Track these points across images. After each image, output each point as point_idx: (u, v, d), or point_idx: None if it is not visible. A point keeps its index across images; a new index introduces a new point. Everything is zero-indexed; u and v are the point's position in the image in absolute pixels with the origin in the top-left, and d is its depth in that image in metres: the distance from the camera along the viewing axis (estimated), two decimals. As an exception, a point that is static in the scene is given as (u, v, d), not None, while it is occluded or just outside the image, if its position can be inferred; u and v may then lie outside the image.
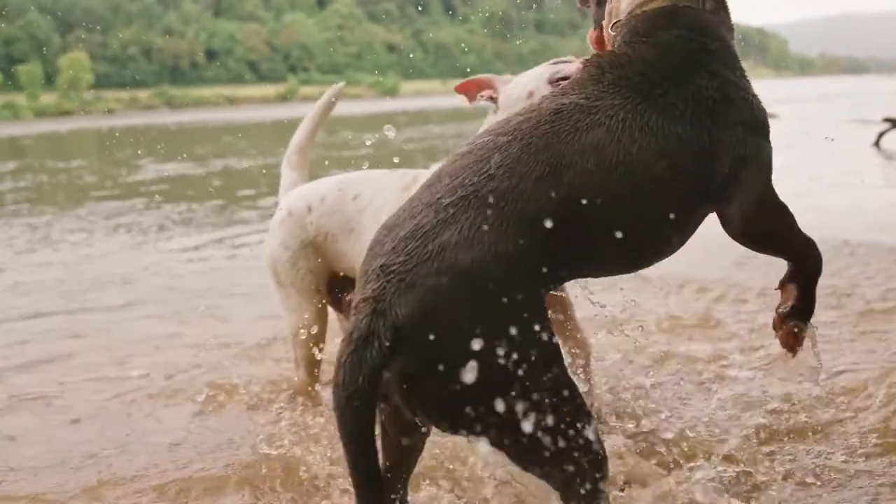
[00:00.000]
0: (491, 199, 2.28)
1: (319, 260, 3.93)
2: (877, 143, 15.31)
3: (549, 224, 2.28)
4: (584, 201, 2.34)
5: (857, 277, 6.32)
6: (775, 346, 2.95)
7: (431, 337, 2.12)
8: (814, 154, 14.84)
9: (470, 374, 2.10)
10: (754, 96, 2.72)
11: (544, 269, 2.31)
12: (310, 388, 4.20)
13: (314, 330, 3.99)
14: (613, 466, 3.08)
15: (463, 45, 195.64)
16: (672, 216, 2.48)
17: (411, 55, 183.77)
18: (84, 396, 4.79)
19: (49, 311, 6.74)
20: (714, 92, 2.56)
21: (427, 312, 2.14)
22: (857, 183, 10.92)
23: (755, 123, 2.66)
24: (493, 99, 3.61)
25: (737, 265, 6.65)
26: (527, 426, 2.17)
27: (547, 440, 2.19)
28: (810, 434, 3.63)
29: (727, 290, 6.18)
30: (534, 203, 2.29)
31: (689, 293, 6.16)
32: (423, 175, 3.49)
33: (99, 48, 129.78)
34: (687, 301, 6.01)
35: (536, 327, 2.22)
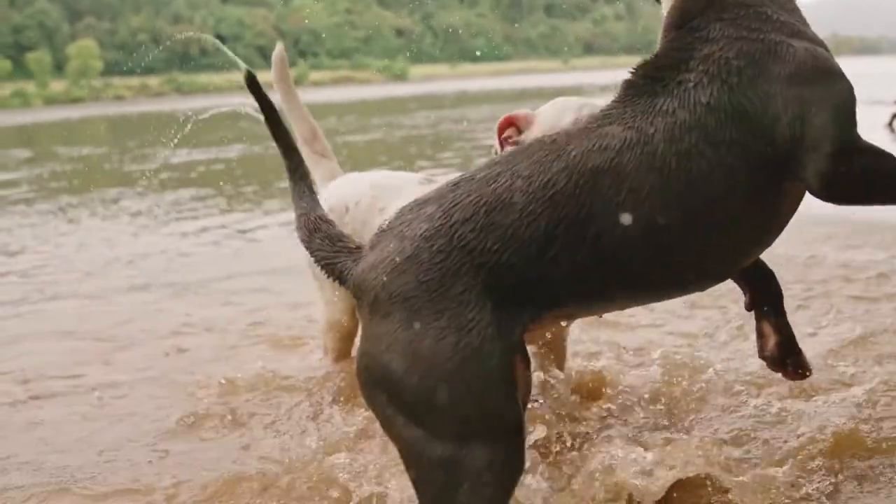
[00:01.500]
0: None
1: None
2: (890, 125, 15.25)
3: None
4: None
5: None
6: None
7: None
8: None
9: None
10: (801, 42, 2.41)
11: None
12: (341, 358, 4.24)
13: (345, 324, 3.99)
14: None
15: (472, 28, 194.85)
16: (734, 204, 2.29)
17: (420, 39, 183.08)
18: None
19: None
20: (741, 51, 2.33)
21: None
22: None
23: (807, 71, 2.33)
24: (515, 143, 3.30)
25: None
26: None
27: None
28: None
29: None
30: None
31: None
32: None
33: (108, 35, 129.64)
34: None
35: None
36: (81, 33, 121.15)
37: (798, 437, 3.49)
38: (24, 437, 4.22)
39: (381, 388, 2.24)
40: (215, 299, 6.59)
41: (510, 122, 3.28)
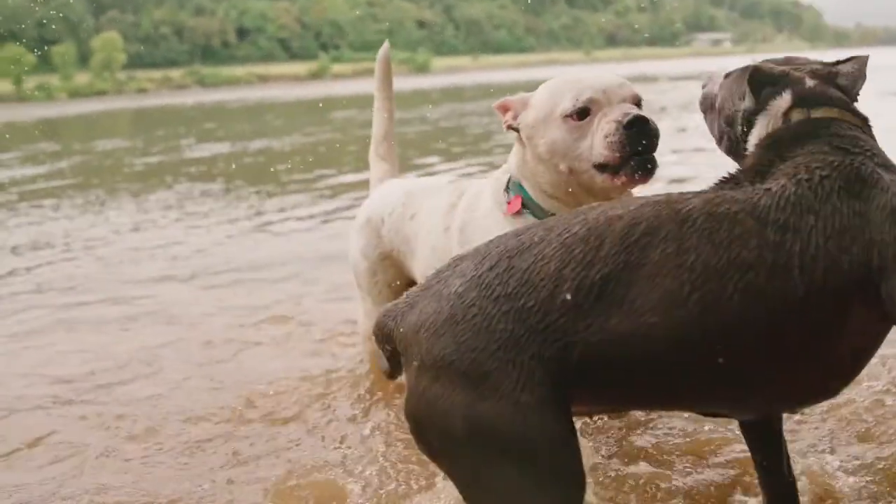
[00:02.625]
0: None
1: (396, 273, 3.87)
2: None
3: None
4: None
5: None
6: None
7: None
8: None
9: None
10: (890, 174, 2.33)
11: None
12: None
13: None
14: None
15: (494, 20, 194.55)
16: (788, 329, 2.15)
17: (442, 31, 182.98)
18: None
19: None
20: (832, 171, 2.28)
21: None
22: None
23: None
24: (513, 128, 3.34)
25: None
26: None
27: None
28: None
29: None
30: None
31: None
32: (472, 188, 3.48)
33: (131, 28, 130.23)
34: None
35: None
36: (105, 26, 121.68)
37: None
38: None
39: (442, 450, 2.28)
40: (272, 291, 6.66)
41: (506, 108, 3.32)
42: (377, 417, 4.11)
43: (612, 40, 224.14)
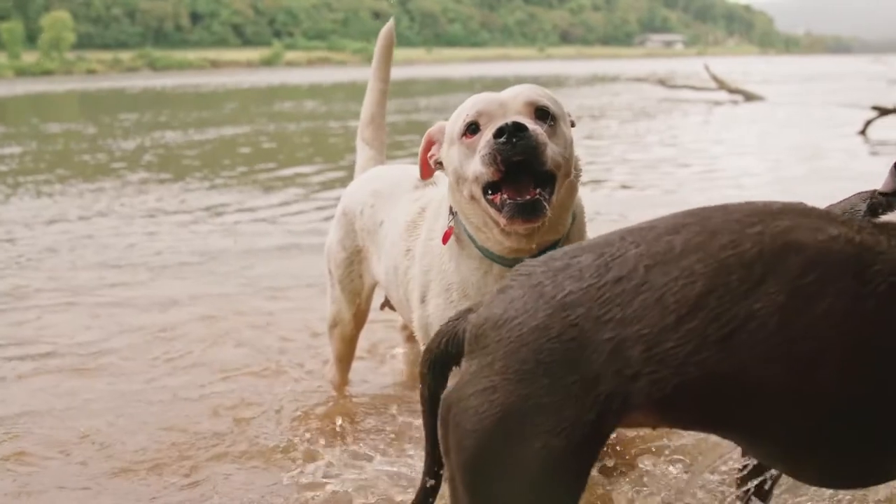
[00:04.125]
0: None
1: (366, 268, 3.73)
2: (863, 132, 15.37)
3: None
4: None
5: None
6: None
7: None
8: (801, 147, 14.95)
9: None
10: None
11: None
12: (342, 385, 4.18)
13: (350, 328, 3.89)
14: None
15: (449, 13, 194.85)
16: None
17: (397, 23, 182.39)
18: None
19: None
20: None
21: None
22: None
23: None
24: (439, 164, 2.98)
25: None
26: None
27: None
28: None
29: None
30: None
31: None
32: (433, 205, 3.17)
33: (82, 8, 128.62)
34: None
35: None
36: (55, 5, 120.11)
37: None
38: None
39: (462, 456, 1.99)
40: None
41: (432, 143, 3.00)
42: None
43: (566, 38, 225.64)
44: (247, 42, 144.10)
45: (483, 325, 2.01)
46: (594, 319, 1.89)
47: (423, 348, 3.05)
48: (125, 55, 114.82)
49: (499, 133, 2.54)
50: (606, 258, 1.96)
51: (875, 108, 15.54)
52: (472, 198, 2.71)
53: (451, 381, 2.12)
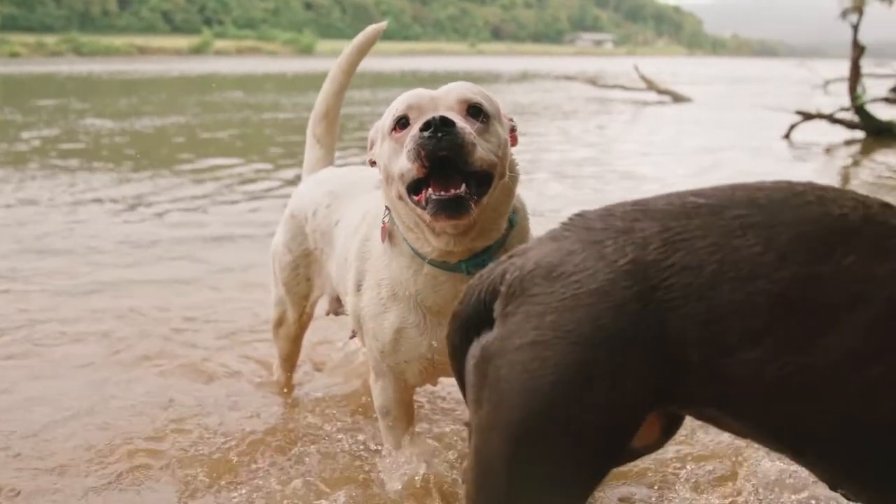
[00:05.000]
0: None
1: (319, 268, 3.61)
2: (787, 136, 15.66)
3: None
4: None
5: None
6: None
7: None
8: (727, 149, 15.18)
9: None
10: None
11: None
12: (285, 388, 4.10)
13: (294, 329, 3.83)
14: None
15: (381, 6, 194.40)
16: None
17: (329, 14, 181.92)
18: None
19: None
20: None
21: None
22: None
23: None
24: (372, 163, 2.87)
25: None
26: None
27: None
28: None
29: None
30: None
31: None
32: (372, 216, 3.02)
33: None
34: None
35: None
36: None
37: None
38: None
39: (494, 411, 1.86)
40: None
41: (372, 141, 2.88)
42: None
43: (497, 34, 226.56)
44: (176, 29, 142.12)
45: (534, 272, 1.87)
46: (658, 301, 1.75)
47: (358, 338, 3.04)
48: (50, 39, 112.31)
49: (425, 127, 2.45)
50: (673, 234, 1.81)
51: (799, 112, 15.87)
52: (400, 197, 2.61)
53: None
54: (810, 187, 1.84)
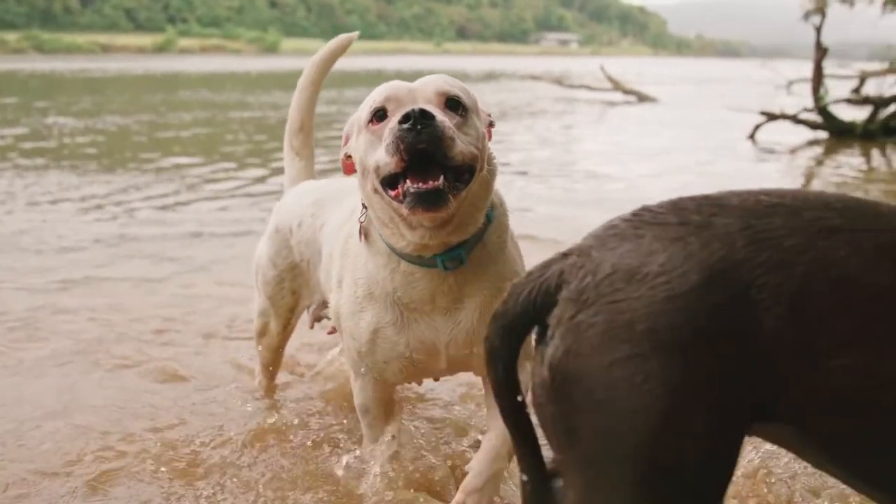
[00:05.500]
0: None
1: (304, 281, 3.58)
2: (752, 136, 15.80)
3: None
4: None
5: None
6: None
7: None
8: (694, 150, 15.28)
9: None
10: None
11: None
12: (266, 392, 4.04)
13: (277, 340, 3.78)
14: None
15: (346, 4, 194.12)
16: None
17: (294, 12, 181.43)
18: None
19: None
20: None
21: None
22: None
23: None
24: (348, 156, 2.81)
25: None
26: None
27: None
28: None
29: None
30: None
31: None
32: (358, 214, 2.95)
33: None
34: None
35: None
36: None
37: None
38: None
39: (595, 441, 1.70)
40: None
41: (347, 136, 2.82)
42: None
43: (462, 33, 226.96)
44: (139, 27, 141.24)
45: (613, 276, 1.71)
46: (753, 301, 1.65)
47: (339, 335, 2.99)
48: (11, 36, 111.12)
49: (404, 119, 2.40)
50: (757, 232, 1.71)
51: (763, 113, 16.02)
52: (376, 190, 2.56)
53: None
54: (877, 202, 1.79)
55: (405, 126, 2.38)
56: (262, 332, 3.79)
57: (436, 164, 2.42)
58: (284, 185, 3.90)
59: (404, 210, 2.46)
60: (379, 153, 2.49)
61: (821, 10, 17.77)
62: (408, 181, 2.43)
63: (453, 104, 2.57)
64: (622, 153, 13.93)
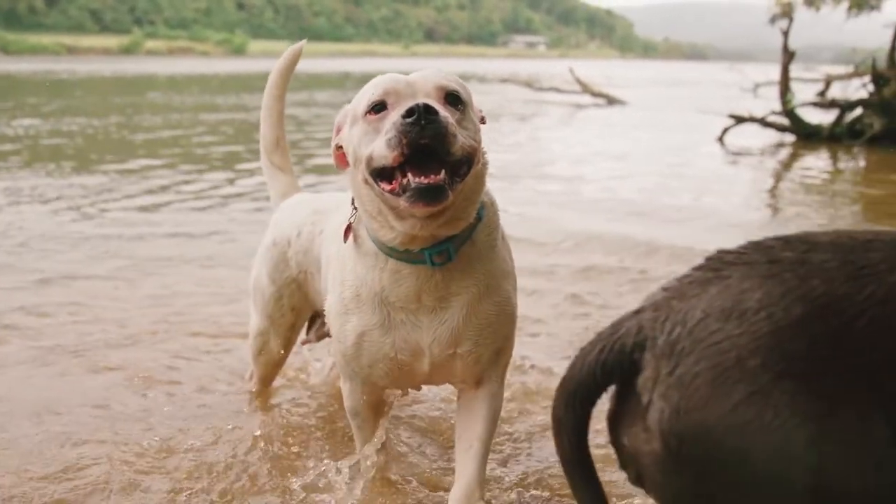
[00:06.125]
0: None
1: (303, 297, 3.55)
2: (721, 139, 15.93)
3: None
4: None
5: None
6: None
7: None
8: (660, 155, 15.38)
9: None
10: None
11: None
12: (259, 398, 4.03)
13: (278, 357, 3.76)
14: None
15: (314, 6, 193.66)
16: None
17: (261, 14, 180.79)
18: None
19: None
20: None
21: None
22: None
23: None
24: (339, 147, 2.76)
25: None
26: None
27: None
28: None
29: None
30: None
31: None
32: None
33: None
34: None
35: None
36: None
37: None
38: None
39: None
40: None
41: (339, 128, 2.77)
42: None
43: (430, 35, 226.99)
44: (105, 28, 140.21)
45: (705, 319, 1.63)
46: (857, 333, 1.58)
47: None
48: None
49: (408, 113, 2.38)
50: (857, 268, 1.66)
51: (732, 115, 16.19)
52: (366, 181, 2.54)
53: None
54: None
55: (409, 121, 2.38)
56: (261, 352, 3.77)
57: (436, 159, 2.41)
58: (272, 200, 3.85)
59: (402, 203, 2.44)
60: (377, 145, 2.47)
61: (787, 14, 17.97)
62: (409, 175, 2.41)
63: (452, 99, 2.56)
64: (593, 155, 14.03)
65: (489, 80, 42.83)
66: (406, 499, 3.09)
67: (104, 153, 13.70)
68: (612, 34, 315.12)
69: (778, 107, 16.32)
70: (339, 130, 2.75)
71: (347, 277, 2.78)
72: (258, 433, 3.61)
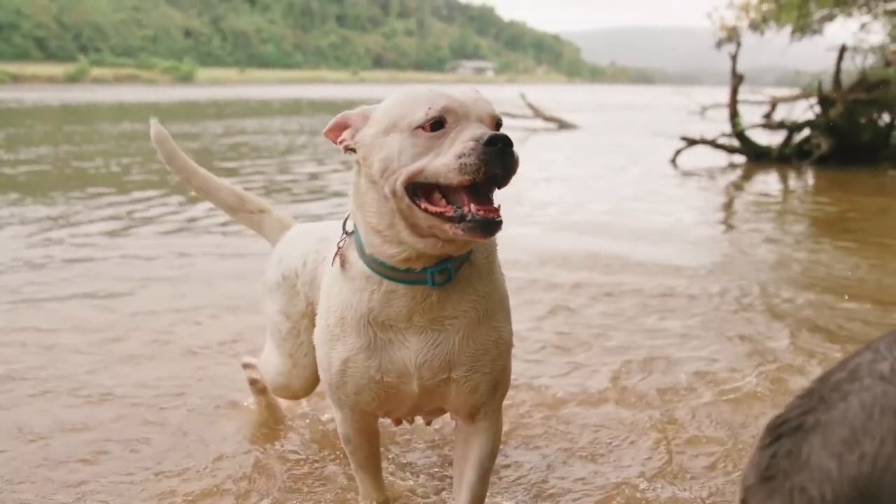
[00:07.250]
0: None
1: None
2: (674, 161, 16.17)
3: None
4: None
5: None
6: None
7: None
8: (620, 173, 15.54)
9: None
10: None
11: None
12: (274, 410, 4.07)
13: (300, 393, 3.61)
14: None
15: (262, 34, 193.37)
16: None
17: (209, 41, 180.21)
18: None
19: None
20: None
21: None
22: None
23: None
24: (350, 149, 2.65)
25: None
26: None
27: None
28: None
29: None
30: None
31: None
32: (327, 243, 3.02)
33: None
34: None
35: None
36: None
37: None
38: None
39: None
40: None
41: (344, 126, 2.67)
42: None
43: (379, 62, 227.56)
44: (50, 56, 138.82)
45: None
46: None
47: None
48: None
49: (490, 142, 2.35)
50: None
51: (684, 138, 16.46)
52: (395, 194, 2.45)
53: None
54: None
55: (491, 149, 2.35)
56: (281, 390, 3.67)
57: (490, 189, 2.41)
58: (270, 241, 3.71)
59: (456, 230, 2.39)
60: (439, 164, 2.39)
61: (732, 38, 18.30)
62: (472, 206, 2.37)
63: (498, 128, 2.53)
64: (550, 178, 14.18)
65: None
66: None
67: (65, 181, 13.61)
68: (559, 59, 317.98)
69: (727, 129, 16.64)
70: (342, 126, 2.66)
71: (332, 303, 2.73)
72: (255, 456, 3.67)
